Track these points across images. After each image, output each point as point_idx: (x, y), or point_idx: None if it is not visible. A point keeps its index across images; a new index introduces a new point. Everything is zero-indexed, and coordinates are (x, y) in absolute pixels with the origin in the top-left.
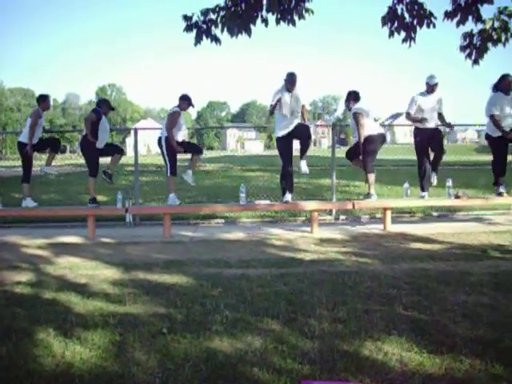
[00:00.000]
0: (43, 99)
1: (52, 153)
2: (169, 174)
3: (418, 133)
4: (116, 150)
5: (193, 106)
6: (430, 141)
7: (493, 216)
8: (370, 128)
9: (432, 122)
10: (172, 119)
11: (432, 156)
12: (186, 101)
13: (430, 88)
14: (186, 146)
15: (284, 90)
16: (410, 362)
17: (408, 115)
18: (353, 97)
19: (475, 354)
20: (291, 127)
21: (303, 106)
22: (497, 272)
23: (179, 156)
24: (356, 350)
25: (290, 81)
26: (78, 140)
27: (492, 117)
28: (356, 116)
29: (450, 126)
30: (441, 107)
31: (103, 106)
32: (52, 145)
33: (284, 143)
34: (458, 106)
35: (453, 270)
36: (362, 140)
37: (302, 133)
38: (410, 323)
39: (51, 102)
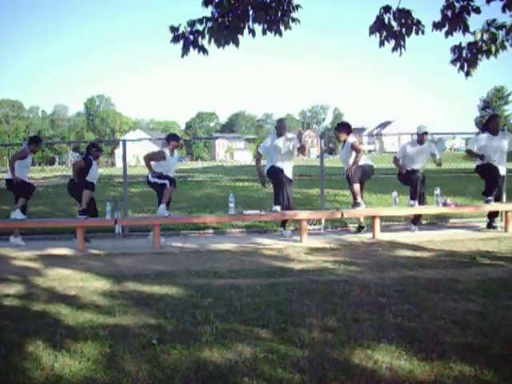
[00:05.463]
0: (35, 142)
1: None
2: (168, 186)
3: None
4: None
5: (178, 142)
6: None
7: (481, 223)
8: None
9: (417, 165)
10: (154, 154)
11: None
12: (173, 140)
13: (420, 138)
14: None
15: (275, 135)
16: (400, 370)
17: (395, 159)
18: (346, 129)
19: (465, 360)
20: (283, 166)
21: (299, 132)
22: (485, 279)
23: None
24: (346, 359)
25: (280, 126)
26: (67, 152)
27: (467, 151)
28: (356, 146)
29: (438, 163)
30: (430, 149)
31: (93, 151)
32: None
33: (276, 172)
34: (446, 114)
35: (442, 278)
36: (356, 163)
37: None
38: (400, 331)
39: (41, 143)
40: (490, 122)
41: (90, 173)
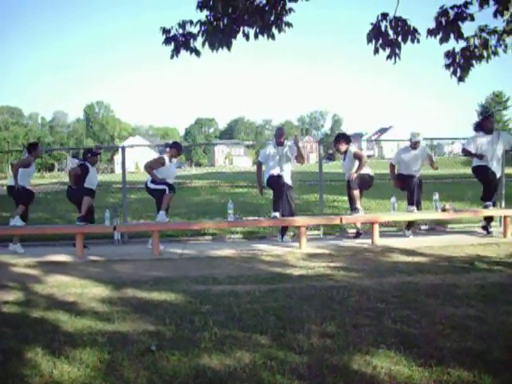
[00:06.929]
0: (34, 147)
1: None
2: (167, 193)
3: (400, 176)
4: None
5: (179, 155)
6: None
7: (480, 229)
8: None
9: (413, 170)
10: (153, 161)
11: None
12: (175, 148)
13: (413, 145)
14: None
15: (273, 144)
16: (399, 376)
17: (391, 165)
18: (344, 140)
19: (464, 366)
20: (282, 173)
21: (296, 137)
22: (484, 284)
23: None
24: (345, 365)
25: (278, 134)
26: (66, 159)
27: (463, 150)
28: (359, 154)
29: (434, 167)
30: (425, 154)
31: (88, 157)
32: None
33: (275, 180)
34: (445, 119)
35: (441, 283)
36: (360, 170)
37: (285, 209)
38: (399, 337)
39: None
40: (484, 122)
41: (88, 179)
